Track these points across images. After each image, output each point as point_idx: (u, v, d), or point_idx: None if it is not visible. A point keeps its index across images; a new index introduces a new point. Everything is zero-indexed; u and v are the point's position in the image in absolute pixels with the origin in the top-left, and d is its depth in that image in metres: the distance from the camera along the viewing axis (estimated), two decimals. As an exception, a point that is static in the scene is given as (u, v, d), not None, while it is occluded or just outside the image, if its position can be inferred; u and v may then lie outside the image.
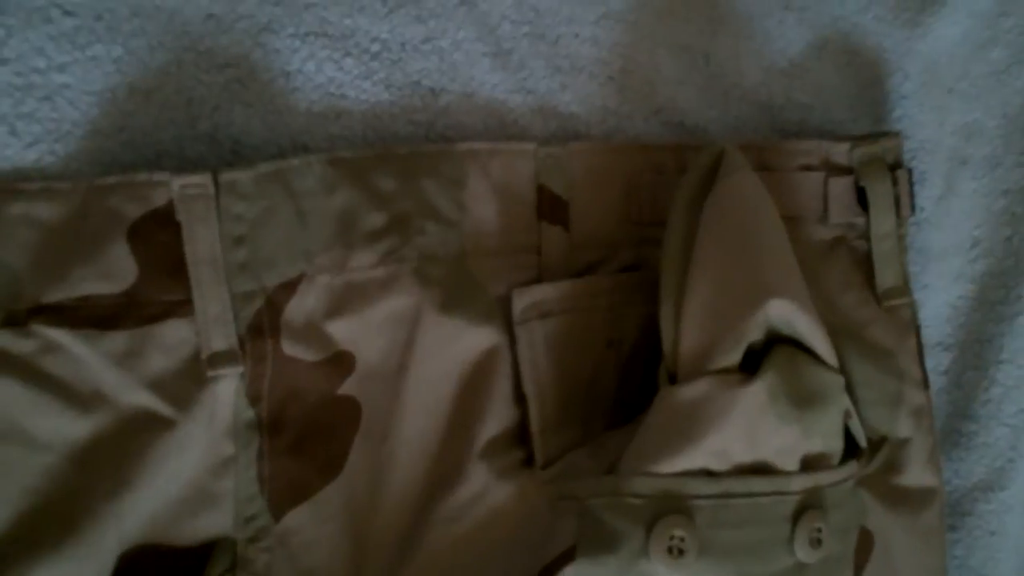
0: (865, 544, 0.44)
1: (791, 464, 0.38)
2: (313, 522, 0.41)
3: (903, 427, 0.46)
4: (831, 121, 0.49)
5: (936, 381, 0.50)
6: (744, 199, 0.41)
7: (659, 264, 0.41)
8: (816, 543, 0.38)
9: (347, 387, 0.41)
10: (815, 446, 0.39)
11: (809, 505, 0.38)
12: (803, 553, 0.38)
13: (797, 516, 0.38)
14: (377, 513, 0.42)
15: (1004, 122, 0.51)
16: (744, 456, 0.38)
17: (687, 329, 0.39)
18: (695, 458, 0.37)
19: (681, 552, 0.37)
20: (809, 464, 0.39)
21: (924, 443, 0.46)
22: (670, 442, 0.38)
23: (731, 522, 0.37)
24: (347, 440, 0.41)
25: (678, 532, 0.37)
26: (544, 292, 0.43)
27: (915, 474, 0.46)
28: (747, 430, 0.38)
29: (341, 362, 0.41)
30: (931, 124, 0.50)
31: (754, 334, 0.38)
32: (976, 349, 0.51)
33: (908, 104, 0.50)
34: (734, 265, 0.39)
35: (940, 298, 0.51)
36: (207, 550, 0.40)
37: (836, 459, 0.40)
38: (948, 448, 0.50)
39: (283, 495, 0.41)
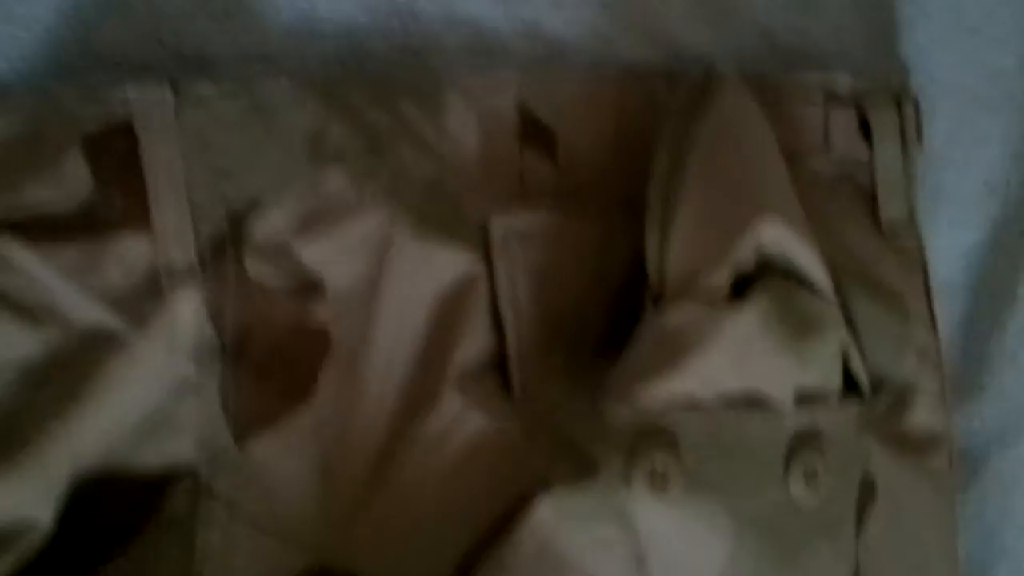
0: (868, 492, 0.42)
1: (785, 396, 0.36)
2: (279, 450, 0.39)
3: (909, 369, 0.43)
4: (837, 53, 0.47)
5: (947, 328, 0.47)
6: (737, 119, 0.39)
7: (648, 188, 0.39)
8: (812, 482, 0.36)
9: (316, 313, 0.40)
10: (811, 378, 0.37)
11: (805, 443, 0.36)
12: (798, 491, 0.36)
13: (791, 453, 0.36)
14: (347, 442, 0.40)
15: (1021, 56, 0.48)
16: (733, 383, 0.36)
17: (674, 249, 0.37)
18: (679, 383, 0.35)
19: (665, 485, 0.35)
20: (805, 399, 0.37)
21: (931, 386, 0.44)
22: (654, 367, 0.36)
23: (720, 456, 0.35)
24: (315, 367, 0.39)
25: (662, 462, 0.35)
26: (525, 219, 0.41)
27: (922, 418, 0.44)
28: (736, 356, 0.35)
29: (310, 287, 0.39)
30: (945, 61, 0.47)
31: (744, 253, 0.36)
32: (990, 295, 0.47)
33: (922, 39, 0.47)
34: (725, 185, 0.37)
35: (953, 241, 0.48)
36: (168, 480, 0.38)
37: (834, 397, 0.38)
38: (960, 398, 0.47)
39: (248, 422, 0.39)
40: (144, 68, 0.40)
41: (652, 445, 0.35)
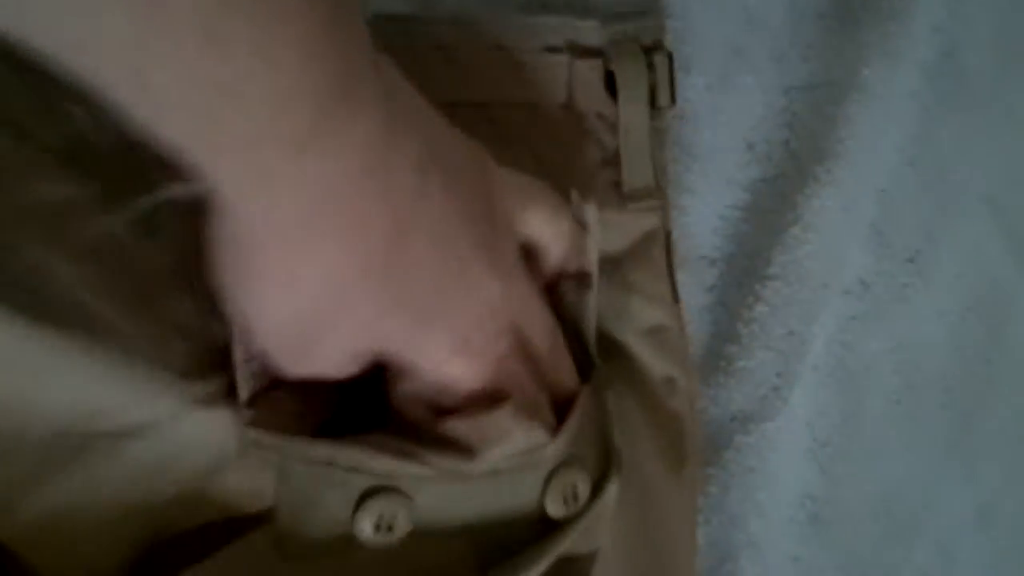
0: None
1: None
2: None
3: (637, 348, 0.40)
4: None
5: (699, 298, 0.44)
6: None
7: None
8: (572, 499, 0.34)
9: None
10: None
11: (565, 463, 0.33)
12: (555, 509, 0.33)
13: (548, 479, 0.33)
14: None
15: (790, 9, 0.45)
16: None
17: None
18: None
19: (391, 528, 0.32)
20: None
21: (668, 369, 0.40)
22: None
23: (459, 498, 0.32)
24: None
25: (390, 510, 0.31)
26: None
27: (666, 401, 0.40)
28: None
29: None
30: (704, 5, 0.44)
31: None
32: (743, 263, 0.44)
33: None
34: None
35: (708, 206, 0.44)
36: None
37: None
38: (707, 373, 0.44)
39: None
40: None
41: (382, 494, 0.31)
